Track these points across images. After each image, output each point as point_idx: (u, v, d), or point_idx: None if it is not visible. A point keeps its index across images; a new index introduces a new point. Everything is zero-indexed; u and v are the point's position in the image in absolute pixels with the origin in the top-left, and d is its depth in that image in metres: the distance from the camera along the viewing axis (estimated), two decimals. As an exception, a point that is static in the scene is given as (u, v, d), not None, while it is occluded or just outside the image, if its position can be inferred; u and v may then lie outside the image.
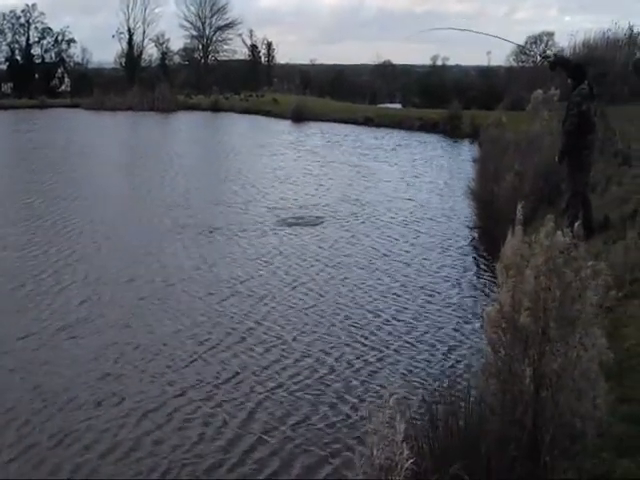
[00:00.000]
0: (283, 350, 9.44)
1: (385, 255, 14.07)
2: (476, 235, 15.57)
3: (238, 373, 8.73)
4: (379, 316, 10.72)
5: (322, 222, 16.76)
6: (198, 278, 12.50)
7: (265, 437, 7.28)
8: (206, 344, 9.60)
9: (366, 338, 9.84)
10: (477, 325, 9.87)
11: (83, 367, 8.84)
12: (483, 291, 11.74)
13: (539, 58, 46.67)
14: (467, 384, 5.30)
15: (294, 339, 9.84)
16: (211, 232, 15.59)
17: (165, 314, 10.80)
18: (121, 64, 70.94)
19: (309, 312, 10.91)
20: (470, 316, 10.61)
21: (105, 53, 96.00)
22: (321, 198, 19.63)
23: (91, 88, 54.03)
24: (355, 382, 8.50)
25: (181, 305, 11.15)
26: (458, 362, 8.93)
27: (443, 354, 9.25)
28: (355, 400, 8.03)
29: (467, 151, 28.28)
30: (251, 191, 20.62)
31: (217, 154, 29.59)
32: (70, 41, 70.30)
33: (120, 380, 8.51)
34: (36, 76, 68.16)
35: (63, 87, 67.99)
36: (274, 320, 10.52)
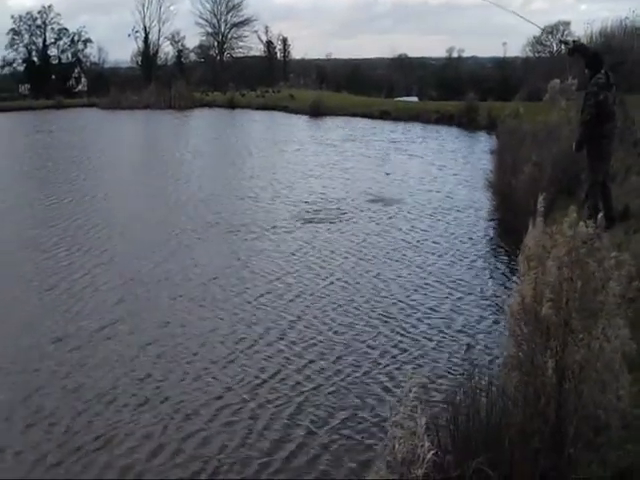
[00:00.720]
0: (316, 345, 9.47)
1: (413, 247, 14.15)
2: (496, 227, 15.50)
3: (277, 369, 8.75)
4: (404, 308, 10.73)
5: (351, 216, 16.78)
6: (232, 275, 12.50)
7: (291, 432, 7.30)
8: (245, 341, 9.57)
9: (392, 330, 9.86)
10: (499, 317, 9.83)
11: (123, 368, 8.81)
12: (505, 283, 11.69)
13: (558, 44, 46.49)
14: (489, 376, 5.27)
15: (327, 333, 9.87)
16: (239, 230, 15.57)
17: (202, 312, 10.79)
18: (137, 63, 71.12)
19: (343, 305, 10.95)
20: (493, 308, 10.59)
21: (121, 52, 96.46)
22: (348, 192, 19.62)
23: (108, 87, 54.22)
24: (380, 373, 8.51)
25: (217, 302, 11.13)
26: (480, 354, 8.87)
27: (465, 346, 9.21)
28: (381, 391, 8.06)
29: (485, 143, 28.17)
30: (277, 187, 20.69)
31: (239, 150, 29.44)
32: (86, 41, 70.53)
33: (161, 380, 8.49)
34: (53, 77, 68.38)
35: (80, 87, 68.17)
36: (310, 314, 10.55)
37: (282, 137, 32.92)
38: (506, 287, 11.31)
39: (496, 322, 9.84)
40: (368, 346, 9.34)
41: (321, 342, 9.51)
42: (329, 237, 14.98)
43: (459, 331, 9.77)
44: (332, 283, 12.02)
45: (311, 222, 16.21)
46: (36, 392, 8.21)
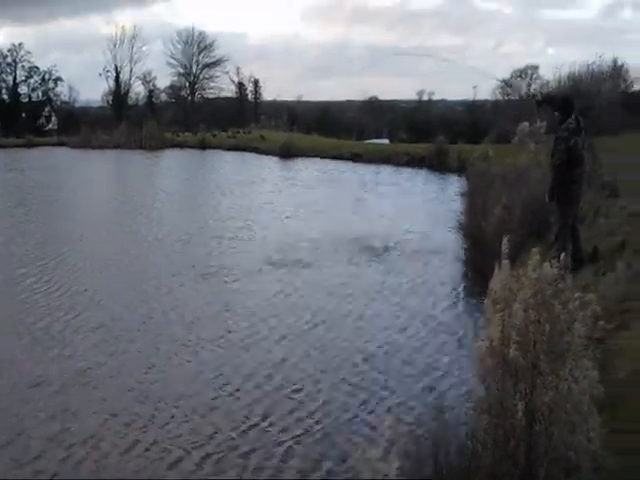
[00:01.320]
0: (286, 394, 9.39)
1: (384, 289, 14.19)
2: (466, 269, 15.53)
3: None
4: (369, 353, 10.71)
5: (328, 257, 16.83)
6: (213, 317, 12.47)
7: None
8: (229, 386, 9.49)
9: (361, 374, 9.85)
10: (468, 361, 9.82)
11: (106, 412, 8.70)
12: (473, 327, 11.69)
13: (527, 96, 47.13)
14: (458, 419, 5.26)
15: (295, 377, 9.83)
16: (218, 272, 15.53)
17: (185, 353, 10.75)
18: (108, 102, 71.04)
19: (318, 347, 11.00)
20: (462, 350, 10.59)
21: (92, 91, 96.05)
22: (324, 234, 19.64)
23: (78, 126, 54.00)
24: (349, 416, 8.49)
25: (200, 344, 11.09)
26: (450, 397, 8.87)
27: (434, 389, 9.23)
28: (351, 435, 8.01)
29: (455, 185, 28.35)
30: (254, 227, 20.75)
31: (212, 191, 29.36)
32: (57, 79, 70.44)
33: (146, 425, 8.39)
34: (23, 115, 68.22)
35: (50, 126, 67.93)
36: (282, 358, 10.52)
37: (253, 178, 32.88)
38: (475, 329, 11.32)
39: (465, 365, 9.82)
40: (335, 391, 9.31)
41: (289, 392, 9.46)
42: (308, 278, 14.98)
43: (429, 374, 9.78)
44: (309, 323, 12.08)
45: (286, 264, 16.19)
46: (18, 437, 8.08)
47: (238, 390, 9.33)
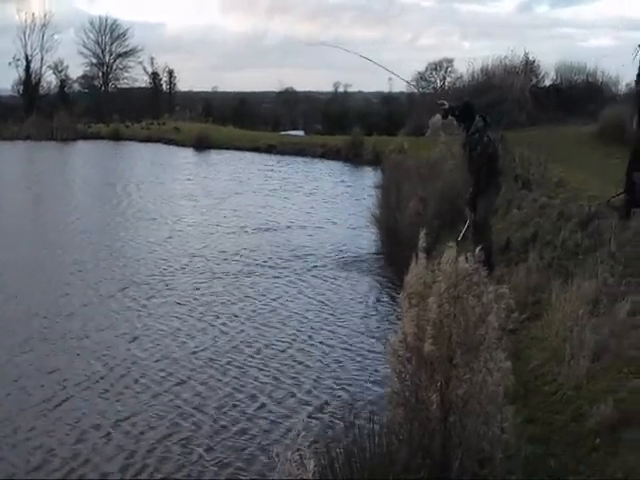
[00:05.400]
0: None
1: (294, 289, 13.92)
2: (381, 262, 15.57)
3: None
4: (283, 349, 10.66)
5: (223, 259, 16.45)
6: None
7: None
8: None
9: (273, 371, 9.77)
10: (383, 355, 9.83)
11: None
12: (388, 320, 11.74)
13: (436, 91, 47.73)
14: (373, 414, 5.24)
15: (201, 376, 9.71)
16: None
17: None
18: (19, 92, 69.25)
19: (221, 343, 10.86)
20: (378, 345, 10.53)
21: (2, 80, 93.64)
22: (231, 230, 19.50)
23: (-14, 117, 52.49)
24: (262, 416, 8.41)
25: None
26: (366, 393, 8.89)
27: (349, 385, 9.22)
28: (263, 437, 7.92)
29: (370, 178, 28.43)
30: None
31: (115, 190, 27.42)
32: (-36, 69, 68.51)
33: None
34: None
35: (-43, 116, 65.97)
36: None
37: (164, 174, 31.87)
38: (390, 323, 11.38)
39: (381, 360, 9.81)
40: (250, 389, 9.26)
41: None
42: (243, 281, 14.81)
43: (342, 370, 9.79)
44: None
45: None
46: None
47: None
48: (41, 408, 8.64)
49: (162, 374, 9.66)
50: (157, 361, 10.14)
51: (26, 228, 20.06)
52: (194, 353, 10.44)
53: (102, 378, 9.54)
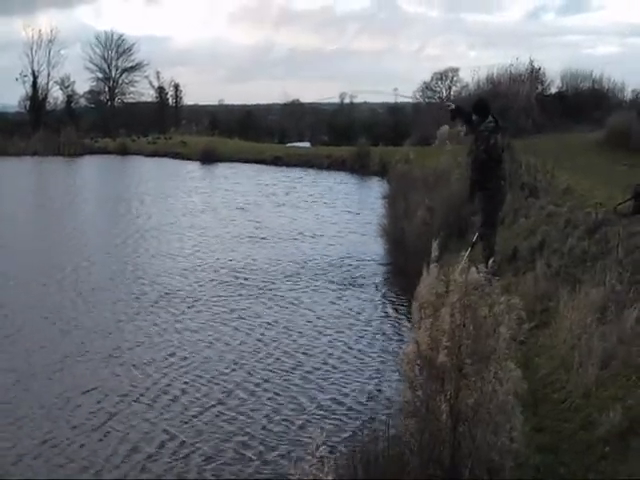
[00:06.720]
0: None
1: (305, 300, 13.83)
2: (389, 272, 15.54)
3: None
4: (295, 360, 10.64)
5: (238, 268, 16.54)
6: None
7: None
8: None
9: (287, 386, 9.70)
10: (395, 365, 9.78)
11: None
12: (399, 330, 11.72)
13: (442, 101, 47.71)
14: (387, 425, 5.28)
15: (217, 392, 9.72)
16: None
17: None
18: (25, 107, 69.44)
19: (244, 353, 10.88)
20: (389, 356, 10.52)
21: (8, 96, 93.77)
22: (237, 242, 19.53)
23: (-7, 133, 52.55)
24: (279, 431, 8.35)
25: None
26: (379, 403, 8.85)
27: (363, 397, 9.17)
28: (282, 450, 7.89)
29: (377, 188, 28.40)
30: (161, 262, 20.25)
31: (125, 204, 27.68)
32: (-29, 85, 68.74)
33: None
34: None
35: (-36, 133, 66.08)
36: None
37: (172, 186, 31.77)
38: (399, 333, 11.38)
39: (393, 371, 9.78)
40: (267, 398, 9.26)
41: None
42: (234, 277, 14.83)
43: (356, 380, 9.74)
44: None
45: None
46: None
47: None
48: (92, 424, 8.60)
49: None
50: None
51: (43, 245, 19.99)
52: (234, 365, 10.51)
53: (147, 390, 9.56)
